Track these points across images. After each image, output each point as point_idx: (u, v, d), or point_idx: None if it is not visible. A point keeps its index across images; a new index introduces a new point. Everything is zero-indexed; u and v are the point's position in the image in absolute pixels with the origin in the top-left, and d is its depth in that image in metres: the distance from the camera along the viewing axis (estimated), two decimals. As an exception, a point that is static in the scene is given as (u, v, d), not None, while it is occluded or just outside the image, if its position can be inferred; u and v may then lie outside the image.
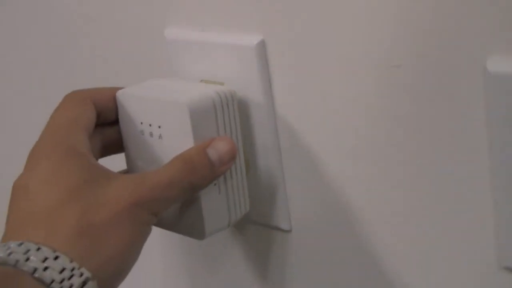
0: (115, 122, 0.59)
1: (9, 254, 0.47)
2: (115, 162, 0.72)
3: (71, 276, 0.47)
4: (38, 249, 0.48)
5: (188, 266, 0.76)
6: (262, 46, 0.58)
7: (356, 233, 0.60)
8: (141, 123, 0.58)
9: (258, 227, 0.66)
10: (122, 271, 0.51)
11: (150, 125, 0.57)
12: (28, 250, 0.48)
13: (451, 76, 0.49)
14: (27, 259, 0.47)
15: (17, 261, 0.47)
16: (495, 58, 0.47)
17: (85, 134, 0.55)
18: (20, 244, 0.48)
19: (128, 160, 0.61)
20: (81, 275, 0.48)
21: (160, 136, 0.57)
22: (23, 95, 0.82)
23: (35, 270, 0.47)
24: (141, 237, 0.53)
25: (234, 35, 0.59)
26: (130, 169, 0.61)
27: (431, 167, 0.53)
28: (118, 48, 0.69)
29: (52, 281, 0.47)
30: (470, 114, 0.50)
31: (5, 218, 0.52)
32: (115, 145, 0.60)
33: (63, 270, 0.47)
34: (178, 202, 0.57)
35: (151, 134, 0.57)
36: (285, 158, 0.61)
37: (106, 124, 0.59)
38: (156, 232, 0.76)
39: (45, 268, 0.47)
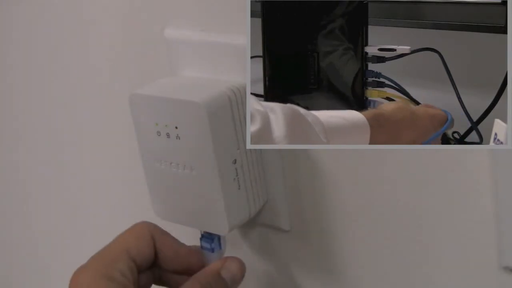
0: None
1: None
2: (116, 166, 0.72)
3: None
4: None
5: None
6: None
7: (355, 233, 0.60)
8: (157, 124, 0.57)
9: (258, 227, 0.66)
10: None
11: (166, 125, 0.56)
12: None
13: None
14: None
15: None
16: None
17: (130, 265, 0.56)
18: None
19: (145, 162, 0.60)
20: None
21: (177, 137, 0.56)
22: (23, 95, 0.82)
23: None
24: None
25: (234, 35, 0.59)
26: (147, 171, 0.60)
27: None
28: (118, 48, 0.69)
29: None
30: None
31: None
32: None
33: None
34: None
35: (168, 135, 0.56)
36: (284, 158, 0.61)
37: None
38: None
39: None
